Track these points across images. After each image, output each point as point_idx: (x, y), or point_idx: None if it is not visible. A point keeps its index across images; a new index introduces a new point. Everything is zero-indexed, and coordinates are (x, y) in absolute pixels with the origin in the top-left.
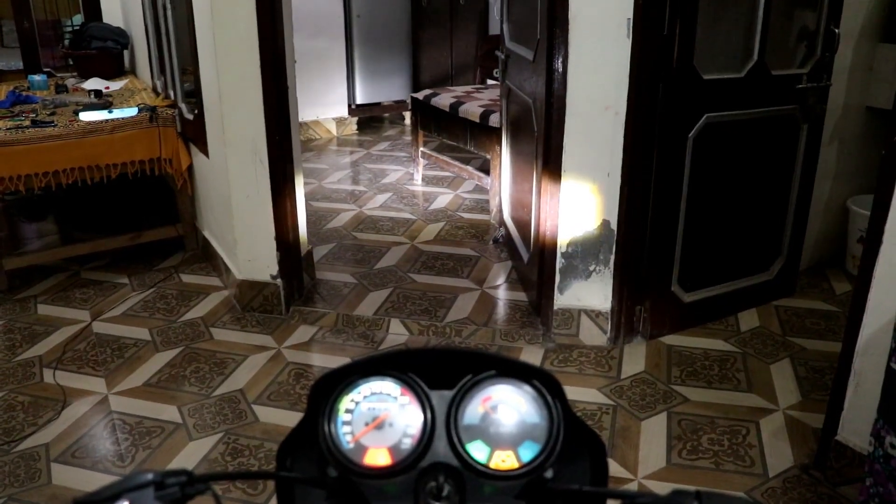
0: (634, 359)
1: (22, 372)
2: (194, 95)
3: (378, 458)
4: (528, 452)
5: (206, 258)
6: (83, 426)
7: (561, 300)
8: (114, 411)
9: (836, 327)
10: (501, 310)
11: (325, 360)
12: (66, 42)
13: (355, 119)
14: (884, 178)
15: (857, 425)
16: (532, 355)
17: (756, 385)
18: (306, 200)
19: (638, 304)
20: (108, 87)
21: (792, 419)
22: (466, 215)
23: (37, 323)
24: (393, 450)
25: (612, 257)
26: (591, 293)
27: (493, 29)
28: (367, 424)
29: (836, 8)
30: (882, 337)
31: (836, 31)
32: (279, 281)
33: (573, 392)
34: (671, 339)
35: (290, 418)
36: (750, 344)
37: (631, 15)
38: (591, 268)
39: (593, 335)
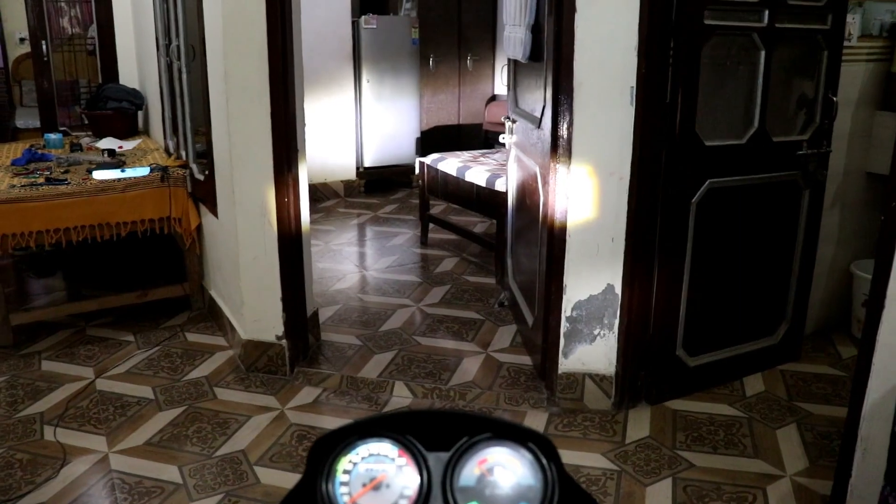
0: (639, 423)
1: (22, 428)
2: (205, 156)
3: None
4: None
5: (212, 317)
6: (81, 485)
7: (565, 364)
8: (113, 470)
9: (843, 392)
10: (506, 373)
11: (328, 422)
12: (83, 102)
13: (363, 182)
14: (884, 243)
15: (865, 492)
16: (536, 419)
17: (762, 450)
18: (313, 261)
19: (643, 368)
20: (121, 147)
21: (799, 486)
22: (472, 278)
23: (40, 379)
24: None
25: (617, 321)
26: (595, 357)
27: (500, 94)
28: (364, 485)
29: (834, 77)
30: (887, 402)
31: (835, 99)
32: (284, 342)
33: (577, 457)
34: (676, 404)
35: (291, 480)
36: (756, 409)
37: (634, 83)
38: (596, 332)
39: (598, 399)
